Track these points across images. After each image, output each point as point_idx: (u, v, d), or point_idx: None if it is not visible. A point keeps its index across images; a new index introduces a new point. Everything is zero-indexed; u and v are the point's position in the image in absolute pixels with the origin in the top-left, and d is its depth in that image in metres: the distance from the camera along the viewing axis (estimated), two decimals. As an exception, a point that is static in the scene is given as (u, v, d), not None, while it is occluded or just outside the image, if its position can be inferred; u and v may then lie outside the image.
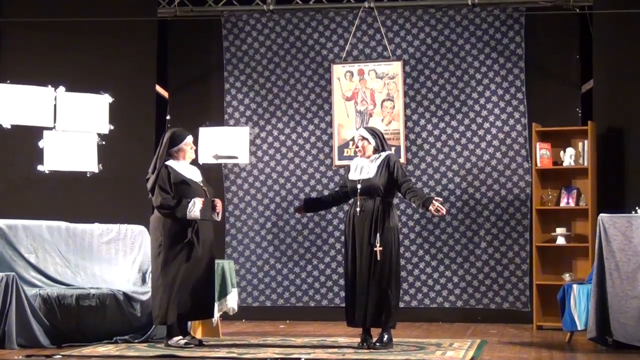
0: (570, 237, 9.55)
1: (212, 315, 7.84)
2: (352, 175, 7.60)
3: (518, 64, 10.05)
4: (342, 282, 9.34)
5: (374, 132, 7.68)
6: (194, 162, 7.93)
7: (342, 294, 8.96)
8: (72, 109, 8.77)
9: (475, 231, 10.08)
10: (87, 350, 7.30)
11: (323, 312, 10.23)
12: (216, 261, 7.91)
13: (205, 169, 8.56)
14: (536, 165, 9.57)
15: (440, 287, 10.10)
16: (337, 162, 10.31)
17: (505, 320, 9.79)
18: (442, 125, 10.20)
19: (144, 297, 7.98)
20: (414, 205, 8.32)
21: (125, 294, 7.97)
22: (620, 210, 8.41)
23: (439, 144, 10.19)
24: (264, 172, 10.51)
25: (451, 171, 10.16)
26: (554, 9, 9.98)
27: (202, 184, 7.72)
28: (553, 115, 9.90)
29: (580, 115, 9.96)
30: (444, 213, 7.36)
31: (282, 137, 10.50)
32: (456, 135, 10.16)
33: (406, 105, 10.24)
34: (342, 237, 8.96)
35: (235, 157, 9.16)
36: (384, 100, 10.25)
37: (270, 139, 10.52)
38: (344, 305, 7.66)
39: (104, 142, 8.95)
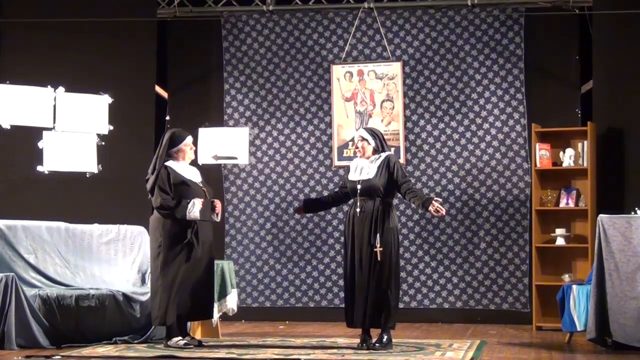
0: (569, 237, 9.55)
1: (211, 316, 7.84)
2: (352, 176, 7.60)
3: (517, 65, 10.05)
4: (341, 282, 9.33)
5: (373, 133, 7.68)
6: (194, 162, 7.93)
7: (342, 294, 8.96)
8: (72, 109, 8.77)
9: (474, 232, 10.08)
10: (87, 351, 7.30)
11: (322, 312, 10.23)
12: (216, 262, 7.91)
13: (204, 169, 8.56)
14: (536, 165, 9.57)
15: (439, 288, 10.10)
16: (336, 163, 10.31)
17: (505, 321, 9.79)
18: (441, 125, 10.20)
19: (144, 298, 7.98)
20: (413, 205, 8.32)
21: (124, 295, 7.97)
22: (619, 211, 8.40)
23: (438, 145, 10.19)
24: (264, 173, 10.51)
25: (451, 172, 10.16)
26: (553, 9, 9.98)
27: (201, 185, 7.72)
28: (553, 116, 9.90)
29: (579, 115, 9.96)
30: (444, 214, 7.36)
31: (281, 138, 10.50)
32: (456, 136, 10.16)
33: (406, 106, 10.24)
34: (342, 238, 8.97)
35: (235, 158, 9.16)
36: (383, 101, 10.25)
37: (269, 140, 10.52)
38: (343, 306, 7.66)
39: (103, 143, 8.95)
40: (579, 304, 7.85)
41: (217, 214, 7.74)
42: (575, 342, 8.06)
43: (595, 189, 9.47)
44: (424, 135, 10.23)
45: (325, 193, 9.97)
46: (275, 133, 10.52)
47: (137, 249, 8.74)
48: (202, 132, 9.13)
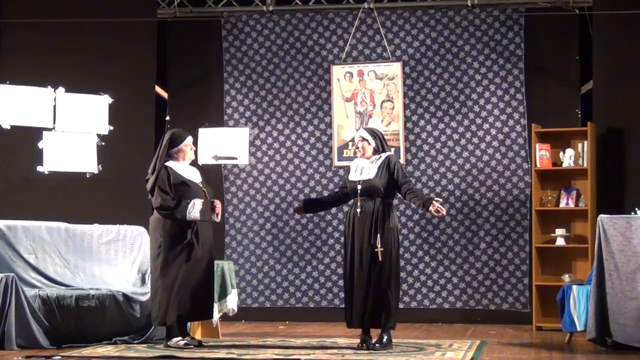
0: (569, 238, 9.56)
1: (211, 316, 7.84)
2: (352, 176, 7.60)
3: (517, 65, 10.05)
4: (341, 283, 9.32)
5: (374, 133, 7.68)
6: (194, 163, 7.93)
7: (342, 294, 8.95)
8: (72, 109, 8.76)
9: (474, 232, 10.08)
10: (87, 351, 7.30)
11: (322, 313, 10.23)
12: (216, 262, 7.91)
13: (204, 169, 8.56)
14: (536, 166, 9.57)
15: (439, 288, 10.10)
16: (336, 163, 10.31)
17: (505, 321, 9.79)
18: (441, 126, 10.20)
19: (144, 298, 7.98)
20: (414, 206, 8.33)
21: (124, 295, 7.97)
22: (619, 211, 8.40)
23: (438, 145, 10.19)
24: (264, 173, 10.51)
25: (451, 172, 10.15)
26: (553, 9, 9.98)
27: (201, 185, 7.71)
28: (553, 116, 9.90)
29: (579, 116, 9.96)
30: (444, 214, 7.36)
31: (281, 138, 10.50)
32: (456, 136, 10.16)
33: (406, 106, 10.24)
34: (342, 238, 8.96)
35: (235, 158, 9.16)
36: (383, 101, 10.25)
37: (269, 140, 10.52)
38: (343, 306, 7.66)
39: (103, 143, 8.94)
40: (579, 304, 7.85)
41: (217, 214, 7.74)
42: (575, 342, 8.06)
43: (595, 189, 9.47)
44: (424, 135, 10.23)
45: (325, 193, 9.98)
46: (275, 133, 10.52)
47: (137, 249, 8.74)
48: (202, 132, 9.13)
